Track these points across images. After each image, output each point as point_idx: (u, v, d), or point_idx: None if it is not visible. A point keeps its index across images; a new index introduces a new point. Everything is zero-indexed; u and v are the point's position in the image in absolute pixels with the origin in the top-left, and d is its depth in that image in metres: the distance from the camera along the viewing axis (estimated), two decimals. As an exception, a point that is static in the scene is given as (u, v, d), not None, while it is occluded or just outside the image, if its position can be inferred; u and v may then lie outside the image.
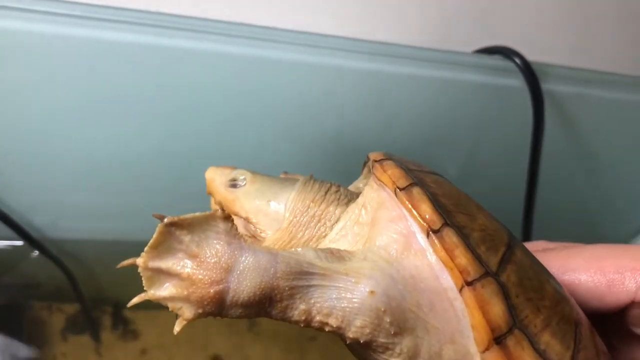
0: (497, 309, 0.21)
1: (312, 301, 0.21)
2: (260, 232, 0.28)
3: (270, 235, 0.28)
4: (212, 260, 0.21)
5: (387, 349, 0.21)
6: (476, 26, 0.62)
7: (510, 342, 0.21)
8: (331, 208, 0.27)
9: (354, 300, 0.21)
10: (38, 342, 0.64)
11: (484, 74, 0.49)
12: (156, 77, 0.49)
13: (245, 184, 0.30)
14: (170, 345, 0.67)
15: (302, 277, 0.21)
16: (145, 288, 0.23)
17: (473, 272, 0.22)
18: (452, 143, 0.51)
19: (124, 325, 0.67)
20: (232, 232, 0.22)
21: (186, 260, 0.21)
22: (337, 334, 0.21)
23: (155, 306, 0.71)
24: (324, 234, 0.26)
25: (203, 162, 0.56)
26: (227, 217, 0.22)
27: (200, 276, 0.21)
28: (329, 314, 0.21)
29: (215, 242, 0.21)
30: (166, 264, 0.22)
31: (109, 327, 0.67)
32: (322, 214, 0.27)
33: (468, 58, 0.50)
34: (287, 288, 0.21)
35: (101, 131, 0.53)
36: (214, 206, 0.32)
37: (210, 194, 0.32)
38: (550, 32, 0.65)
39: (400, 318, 0.21)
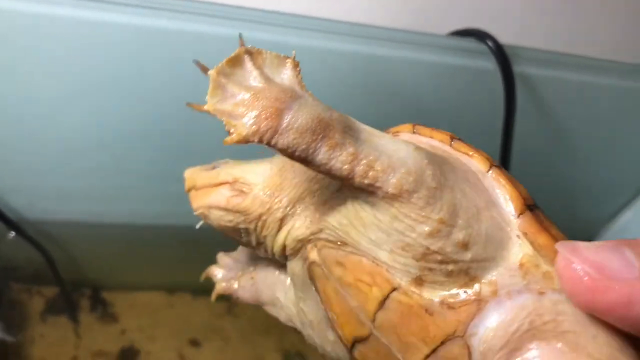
0: (522, 187, 0.23)
1: (361, 147, 0.22)
2: (247, 188, 0.28)
3: (259, 186, 0.28)
4: (278, 88, 0.22)
5: (428, 203, 0.21)
6: (455, 9, 0.62)
7: (539, 212, 0.23)
8: None
9: (401, 149, 0.22)
10: (16, 323, 0.65)
11: (457, 56, 0.50)
12: (136, 59, 0.49)
13: (227, 162, 0.30)
14: (150, 327, 0.68)
15: (353, 129, 0.23)
16: (208, 98, 0.23)
17: (494, 161, 0.24)
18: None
19: (102, 307, 0.68)
20: (299, 79, 0.23)
21: (254, 82, 0.22)
22: (377, 186, 0.22)
23: (134, 288, 0.71)
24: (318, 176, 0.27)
25: (183, 144, 0.56)
26: (296, 65, 0.23)
27: (265, 93, 0.22)
28: (376, 158, 0.22)
29: (282, 81, 0.23)
30: (235, 80, 0.22)
31: (87, 309, 0.67)
32: None
33: (441, 40, 0.50)
34: (340, 130, 0.22)
35: (81, 113, 0.53)
36: (194, 204, 0.31)
37: (190, 188, 0.31)
38: (528, 15, 0.65)
39: (440, 174, 0.22)
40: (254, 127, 0.21)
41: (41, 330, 0.65)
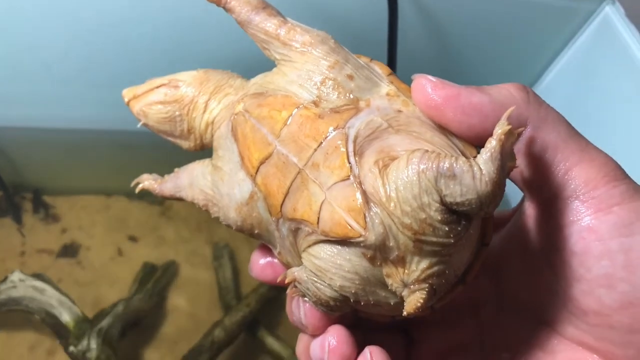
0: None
1: (288, 20, 0.33)
2: (181, 83, 0.37)
3: (189, 79, 0.36)
4: None
5: (329, 53, 0.31)
6: None
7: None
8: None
9: (314, 29, 0.33)
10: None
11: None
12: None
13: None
14: (89, 227, 0.74)
15: (283, 16, 0.33)
16: None
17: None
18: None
19: (44, 209, 0.73)
20: None
21: None
22: (296, 38, 0.32)
23: (74, 191, 0.75)
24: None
25: (116, 51, 0.60)
26: None
27: None
28: (298, 25, 0.32)
29: None
30: None
31: (30, 211, 0.73)
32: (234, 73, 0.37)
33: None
34: (275, 10, 0.33)
35: (15, 19, 0.56)
36: (136, 107, 0.38)
37: (130, 99, 0.38)
38: None
39: (339, 44, 0.32)
40: None
41: (-14, 230, 0.71)
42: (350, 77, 0.31)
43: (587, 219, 0.28)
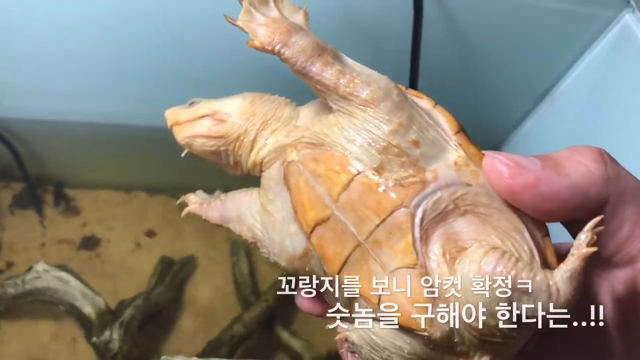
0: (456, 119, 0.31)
1: (346, 68, 0.30)
2: (225, 117, 0.34)
3: (235, 114, 0.34)
4: (290, 21, 0.31)
5: (392, 110, 0.29)
6: None
7: (468, 134, 0.31)
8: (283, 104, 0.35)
9: (376, 74, 0.30)
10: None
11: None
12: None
13: (200, 100, 0.36)
14: (109, 220, 0.75)
15: (340, 57, 0.30)
16: (240, 17, 0.31)
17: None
18: (335, 33, 0.56)
19: (65, 202, 0.75)
20: (307, 24, 0.32)
21: (273, 15, 0.31)
22: (355, 94, 0.29)
23: (95, 186, 0.77)
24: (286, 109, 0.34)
25: (139, 46, 0.61)
26: (306, 14, 0.32)
27: (281, 21, 0.31)
28: (357, 75, 0.29)
29: (296, 15, 0.32)
30: (260, 11, 0.31)
31: (51, 204, 0.74)
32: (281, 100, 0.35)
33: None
34: (332, 54, 0.30)
35: (41, 13, 0.57)
36: (179, 136, 0.36)
37: (173, 124, 0.36)
38: None
39: (403, 95, 0.30)
40: (269, 38, 0.30)
41: (10, 221, 0.72)
42: (416, 144, 0.29)
43: None
